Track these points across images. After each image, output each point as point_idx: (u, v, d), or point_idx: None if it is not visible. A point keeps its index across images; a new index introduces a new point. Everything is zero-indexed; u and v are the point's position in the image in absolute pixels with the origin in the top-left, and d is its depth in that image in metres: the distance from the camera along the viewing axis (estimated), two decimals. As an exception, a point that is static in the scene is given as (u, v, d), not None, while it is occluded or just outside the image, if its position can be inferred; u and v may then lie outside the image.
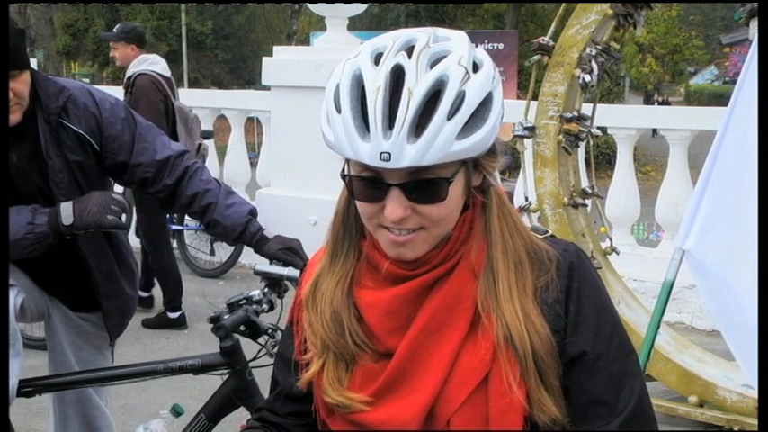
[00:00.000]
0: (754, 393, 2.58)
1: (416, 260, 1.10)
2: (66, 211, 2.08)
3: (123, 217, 2.19)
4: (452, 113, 1.00)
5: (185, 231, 6.39)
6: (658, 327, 2.79)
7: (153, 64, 4.97)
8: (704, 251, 2.57)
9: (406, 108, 0.99)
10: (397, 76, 1.01)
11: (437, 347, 1.08)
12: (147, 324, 5.07)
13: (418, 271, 1.10)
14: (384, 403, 1.10)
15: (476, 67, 1.05)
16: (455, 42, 1.06)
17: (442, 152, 1.00)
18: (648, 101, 28.54)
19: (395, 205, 1.03)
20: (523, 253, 1.10)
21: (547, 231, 1.17)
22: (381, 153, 0.99)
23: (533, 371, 1.05)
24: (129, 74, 4.97)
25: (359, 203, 1.09)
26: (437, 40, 1.06)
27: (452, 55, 1.03)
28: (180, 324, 5.07)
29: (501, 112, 1.06)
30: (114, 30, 5.12)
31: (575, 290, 1.09)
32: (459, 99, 1.01)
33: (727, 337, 2.53)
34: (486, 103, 1.03)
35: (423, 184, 1.03)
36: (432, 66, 1.02)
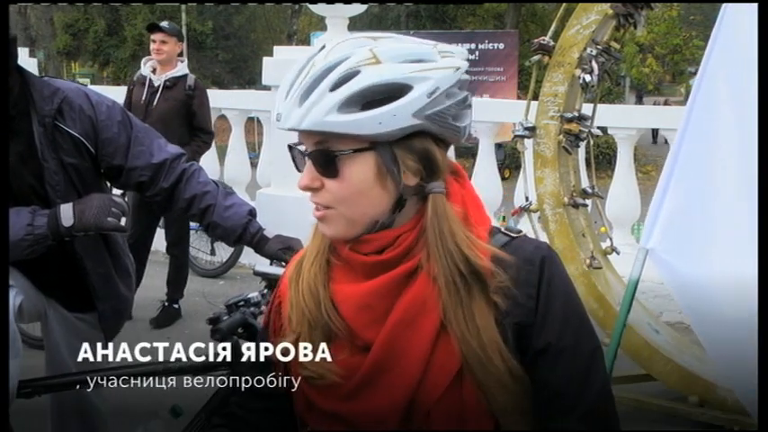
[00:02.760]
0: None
1: (365, 241, 1.11)
2: (67, 212, 2.08)
3: (123, 220, 2.18)
4: (336, 86, 1.05)
5: (185, 231, 6.39)
6: (624, 326, 2.81)
7: None
8: (669, 249, 2.59)
9: (305, 76, 1.08)
10: (317, 54, 1.09)
11: (413, 339, 1.09)
12: (157, 324, 5.11)
13: (383, 257, 1.11)
14: (365, 396, 1.11)
15: (418, 61, 1.07)
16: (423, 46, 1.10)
17: (317, 119, 1.05)
18: (640, 101, 28.56)
19: (305, 173, 1.12)
20: (452, 266, 1.08)
21: (520, 231, 1.17)
22: (278, 114, 1.09)
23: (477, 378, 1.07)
24: (178, 73, 5.01)
25: None
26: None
27: (380, 46, 1.08)
28: (178, 315, 5.31)
29: (423, 108, 1.05)
30: (165, 24, 5.15)
31: (545, 283, 1.10)
32: (349, 75, 1.05)
33: (698, 331, 2.55)
34: (391, 88, 1.05)
35: (320, 156, 1.09)
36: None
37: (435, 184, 1.11)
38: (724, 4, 2.44)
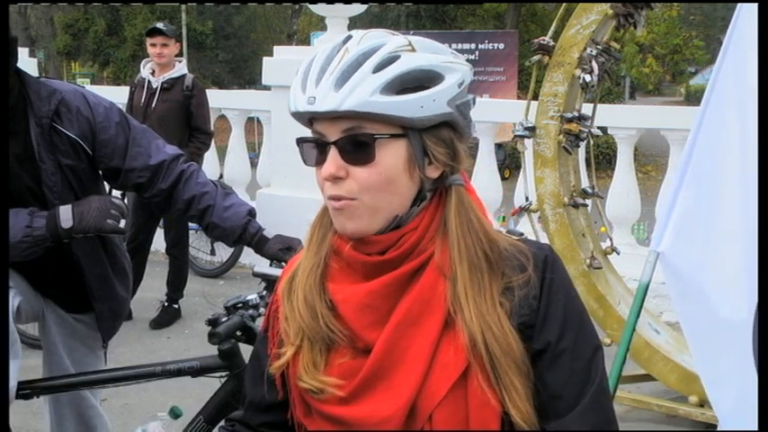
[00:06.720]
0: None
1: (371, 242, 1.11)
2: (66, 214, 2.07)
3: (122, 222, 2.18)
4: (379, 69, 1.06)
5: (185, 231, 6.39)
6: (634, 329, 2.79)
7: None
8: (679, 253, 2.55)
9: (339, 61, 1.07)
10: (345, 42, 1.10)
11: (415, 340, 1.09)
12: (157, 324, 5.10)
13: (385, 257, 1.10)
14: (365, 399, 1.10)
15: (442, 54, 1.11)
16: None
17: (361, 100, 1.04)
18: (633, 97, 28.84)
19: (329, 162, 1.08)
20: (480, 253, 1.10)
21: (522, 234, 1.18)
22: (309, 97, 1.07)
23: (490, 370, 1.06)
24: (176, 74, 5.04)
25: (315, 172, 1.12)
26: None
27: (409, 36, 1.11)
28: (178, 314, 5.30)
29: (454, 98, 1.08)
30: (163, 27, 5.12)
31: (547, 283, 1.11)
32: (390, 58, 1.06)
33: (689, 338, 2.52)
34: (427, 75, 1.07)
35: (353, 142, 1.07)
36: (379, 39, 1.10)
37: (456, 177, 1.14)
38: (739, 4, 2.41)
